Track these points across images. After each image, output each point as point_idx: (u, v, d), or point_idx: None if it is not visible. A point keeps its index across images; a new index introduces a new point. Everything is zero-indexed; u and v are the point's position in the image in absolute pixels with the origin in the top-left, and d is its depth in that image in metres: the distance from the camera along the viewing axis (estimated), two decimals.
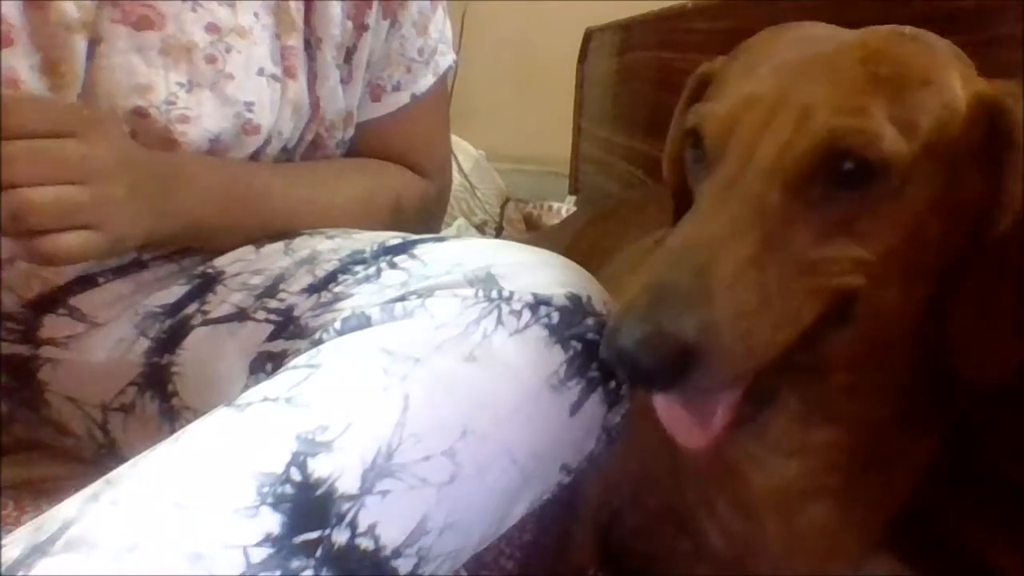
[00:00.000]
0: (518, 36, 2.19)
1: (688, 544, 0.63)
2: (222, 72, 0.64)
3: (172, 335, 0.65)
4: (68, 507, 0.41)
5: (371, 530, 0.42)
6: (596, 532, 0.68)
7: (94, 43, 0.60)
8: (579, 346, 0.49)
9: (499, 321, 0.48)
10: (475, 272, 0.51)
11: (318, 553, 0.40)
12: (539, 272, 0.52)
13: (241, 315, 0.61)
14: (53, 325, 0.68)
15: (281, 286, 0.60)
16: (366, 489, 0.42)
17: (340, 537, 0.41)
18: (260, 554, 0.39)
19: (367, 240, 0.61)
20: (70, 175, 0.51)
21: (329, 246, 0.63)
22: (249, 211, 0.66)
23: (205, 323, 0.63)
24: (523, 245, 0.59)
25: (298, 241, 0.66)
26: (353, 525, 0.41)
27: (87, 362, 0.68)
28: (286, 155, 0.74)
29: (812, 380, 0.53)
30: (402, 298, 0.50)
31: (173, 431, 0.46)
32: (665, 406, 0.47)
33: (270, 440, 0.42)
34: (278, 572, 0.39)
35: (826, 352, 0.49)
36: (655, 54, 1.45)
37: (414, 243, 0.58)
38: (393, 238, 0.60)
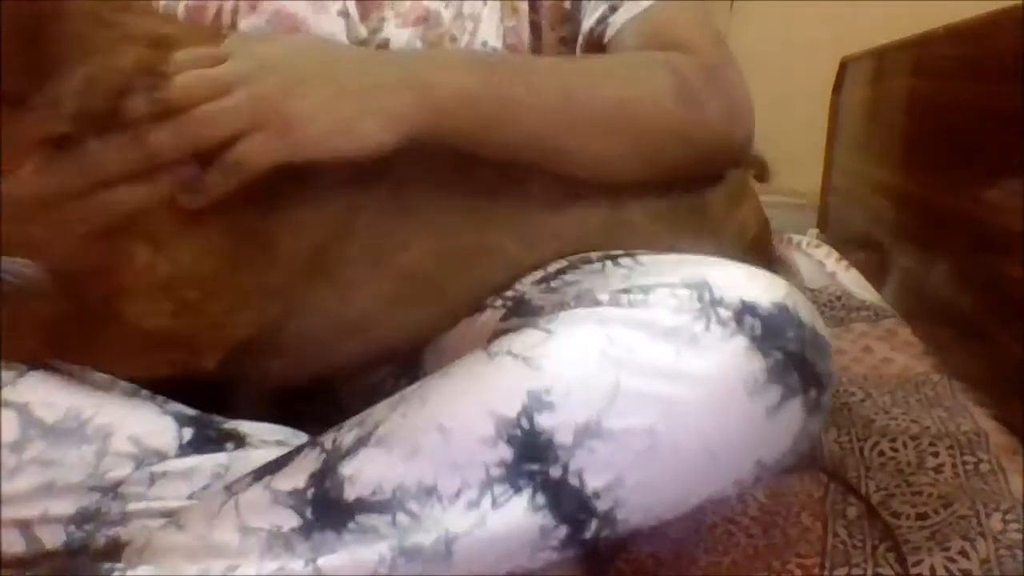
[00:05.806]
0: (773, 65, 2.13)
1: None
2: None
3: None
4: (381, 408, 0.56)
5: (579, 474, 0.52)
6: None
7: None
8: (780, 356, 0.53)
9: (707, 328, 0.53)
10: (691, 277, 0.56)
11: (537, 480, 0.52)
12: (748, 282, 0.56)
13: (479, 306, 0.68)
14: None
15: (514, 283, 0.69)
16: (577, 444, 0.52)
17: (555, 472, 0.52)
18: (497, 471, 0.52)
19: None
20: (219, 88, 0.56)
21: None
22: (519, 81, 0.66)
23: None
24: (733, 262, 0.61)
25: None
26: (565, 467, 0.52)
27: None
28: None
29: None
30: (627, 290, 0.56)
31: None
32: None
33: (508, 391, 0.53)
34: (507, 484, 0.52)
35: None
36: (908, 82, 1.37)
37: (635, 253, 0.65)
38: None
